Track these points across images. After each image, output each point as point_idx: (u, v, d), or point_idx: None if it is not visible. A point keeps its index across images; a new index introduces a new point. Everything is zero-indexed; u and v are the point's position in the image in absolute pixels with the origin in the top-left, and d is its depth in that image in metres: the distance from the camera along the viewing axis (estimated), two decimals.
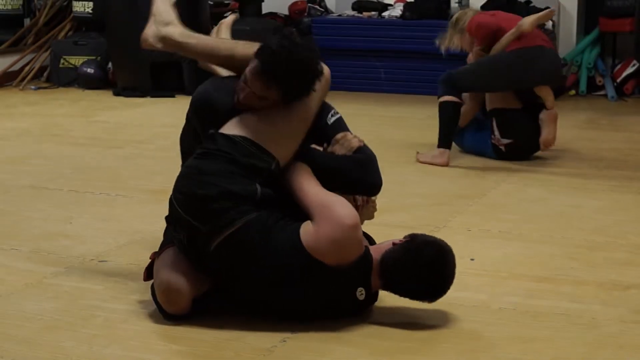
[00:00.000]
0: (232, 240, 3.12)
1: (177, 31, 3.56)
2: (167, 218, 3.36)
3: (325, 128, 3.36)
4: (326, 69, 3.40)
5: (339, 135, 3.35)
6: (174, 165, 3.66)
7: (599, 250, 4.08)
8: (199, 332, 3.16)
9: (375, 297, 3.27)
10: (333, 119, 3.39)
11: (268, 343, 3.06)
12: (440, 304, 3.37)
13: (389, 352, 3.02)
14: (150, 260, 3.42)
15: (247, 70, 3.27)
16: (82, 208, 4.75)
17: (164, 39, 3.57)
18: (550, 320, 3.27)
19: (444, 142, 5.67)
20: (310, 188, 3.21)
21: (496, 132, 5.75)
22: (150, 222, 4.40)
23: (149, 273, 3.41)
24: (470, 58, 5.92)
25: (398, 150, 6.09)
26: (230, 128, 3.27)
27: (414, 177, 5.39)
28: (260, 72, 3.22)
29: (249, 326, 3.19)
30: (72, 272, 3.78)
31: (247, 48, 3.39)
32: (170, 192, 3.27)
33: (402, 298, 3.36)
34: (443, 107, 5.71)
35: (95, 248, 4.08)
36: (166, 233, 3.47)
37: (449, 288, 3.19)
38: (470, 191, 5.07)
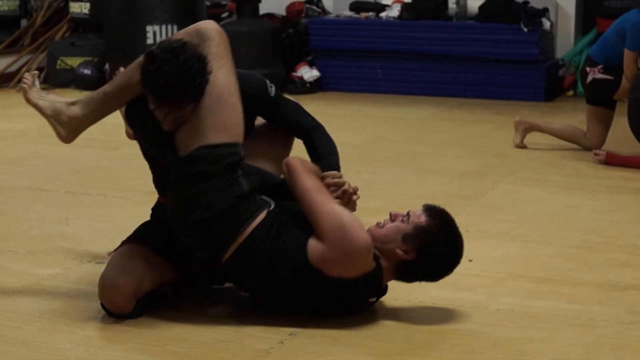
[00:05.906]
0: (240, 253, 3.15)
1: (76, 107, 3.49)
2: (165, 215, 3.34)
3: (269, 99, 3.42)
4: (211, 25, 3.27)
5: (331, 181, 3.33)
6: None
7: (597, 250, 4.07)
8: (196, 334, 3.15)
9: (385, 290, 3.29)
10: (273, 90, 3.43)
11: (265, 345, 3.06)
12: (438, 304, 3.37)
13: (387, 353, 3.01)
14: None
15: (150, 107, 3.19)
16: (79, 209, 4.74)
17: (74, 124, 3.50)
18: (548, 321, 3.27)
19: None
20: (322, 201, 3.15)
21: None
22: None
23: None
24: None
25: (395, 151, 6.09)
26: (182, 146, 3.19)
27: (412, 178, 5.38)
28: (159, 107, 3.15)
29: (246, 328, 3.18)
30: (69, 273, 3.77)
31: (133, 70, 3.30)
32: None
33: (401, 298, 3.36)
34: None
35: (92, 249, 4.07)
36: (140, 228, 3.50)
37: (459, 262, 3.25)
38: (468, 192, 5.07)
